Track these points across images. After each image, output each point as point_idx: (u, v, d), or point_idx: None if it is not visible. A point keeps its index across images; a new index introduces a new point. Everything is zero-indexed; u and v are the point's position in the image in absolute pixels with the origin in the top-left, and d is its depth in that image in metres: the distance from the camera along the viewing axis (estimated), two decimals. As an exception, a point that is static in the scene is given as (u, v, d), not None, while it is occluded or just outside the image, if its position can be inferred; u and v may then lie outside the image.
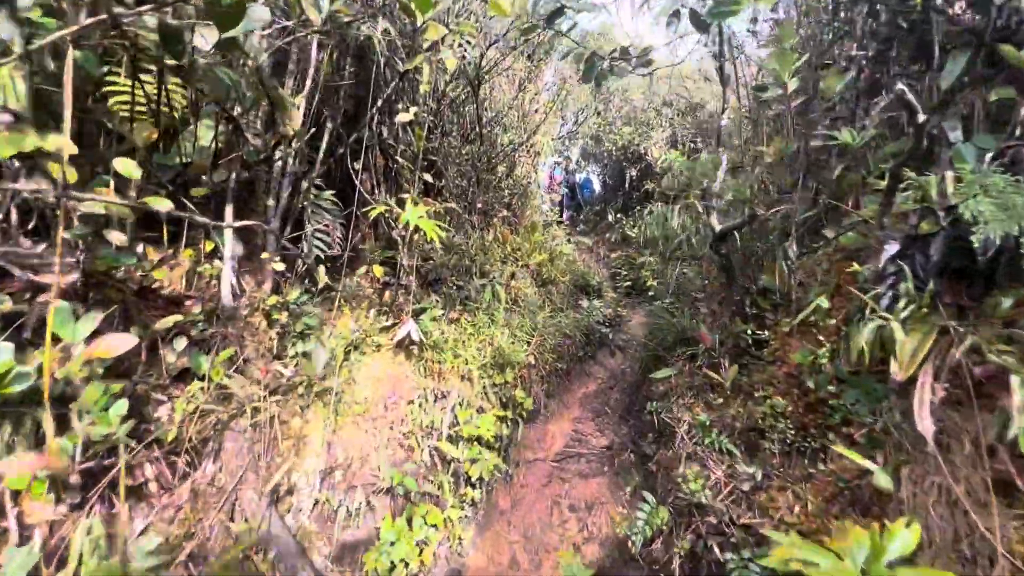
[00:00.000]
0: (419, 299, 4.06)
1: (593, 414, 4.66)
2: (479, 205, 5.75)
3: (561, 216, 13.87)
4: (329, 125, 3.57)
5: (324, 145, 3.40)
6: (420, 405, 3.19)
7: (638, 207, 10.82)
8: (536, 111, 6.45)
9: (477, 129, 5.63)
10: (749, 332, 3.11)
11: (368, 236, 4.56)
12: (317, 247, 3.22)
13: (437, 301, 4.26)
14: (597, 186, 14.53)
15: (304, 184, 3.20)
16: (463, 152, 5.75)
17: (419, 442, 2.90)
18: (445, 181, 5.37)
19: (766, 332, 3.06)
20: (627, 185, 11.68)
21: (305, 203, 3.15)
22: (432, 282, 4.73)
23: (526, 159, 6.72)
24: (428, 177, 4.13)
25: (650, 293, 7.64)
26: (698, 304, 4.63)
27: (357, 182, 3.54)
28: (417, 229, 3.29)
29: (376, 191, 4.40)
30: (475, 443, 3.02)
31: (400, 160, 4.10)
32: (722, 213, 3.70)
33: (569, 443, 4.15)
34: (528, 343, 4.29)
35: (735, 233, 3.51)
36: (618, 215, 11.19)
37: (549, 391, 4.51)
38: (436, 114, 5.16)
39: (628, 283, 8.20)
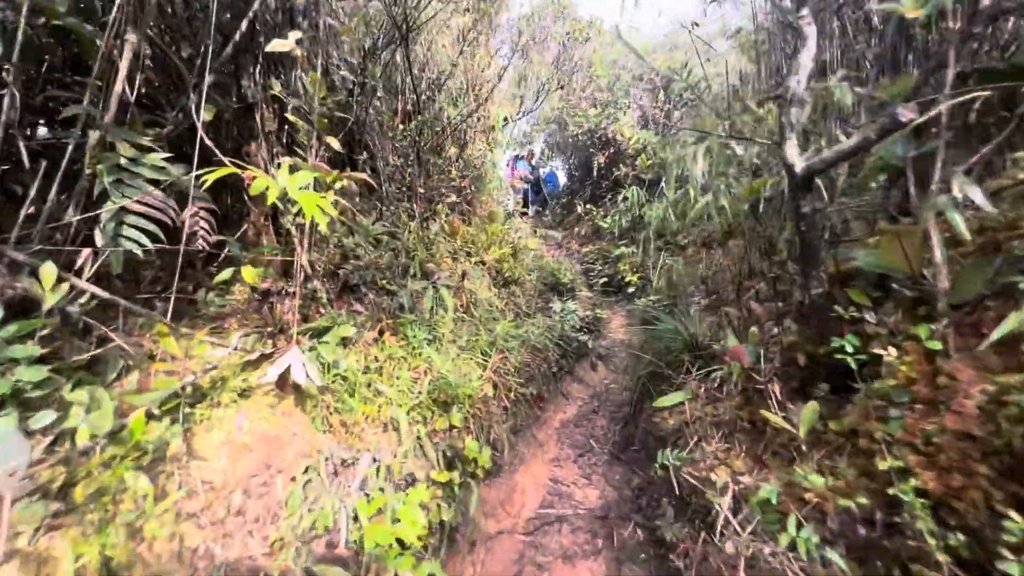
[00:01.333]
0: (327, 312, 2.88)
1: (575, 451, 3.57)
2: (420, 190, 4.60)
3: (526, 208, 12.86)
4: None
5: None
6: (309, 482, 2.02)
7: (608, 196, 9.88)
8: (486, 78, 5.35)
9: (414, 95, 4.48)
10: (847, 346, 1.88)
11: (265, 229, 3.35)
12: (129, 239, 2.00)
13: (355, 314, 3.09)
14: (563, 179, 13.58)
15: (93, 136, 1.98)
16: (399, 126, 4.59)
17: (295, 560, 1.73)
18: (374, 158, 4.20)
19: (888, 349, 1.75)
20: (595, 174, 10.71)
21: (100, 167, 1.93)
22: (353, 288, 3.55)
23: (479, 136, 5.61)
24: (335, 143, 2.96)
25: (630, 290, 6.65)
26: (712, 301, 3.60)
27: (213, 144, 2.33)
28: (331, 221, 2.12)
29: (272, 162, 3.20)
30: (392, 548, 1.86)
31: (291, 117, 2.92)
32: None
33: (546, 499, 3.04)
34: (484, 365, 3.16)
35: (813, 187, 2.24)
36: (587, 206, 10.21)
37: (516, 426, 3.40)
38: (360, 72, 3.98)
39: (604, 279, 7.18)
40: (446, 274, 3.94)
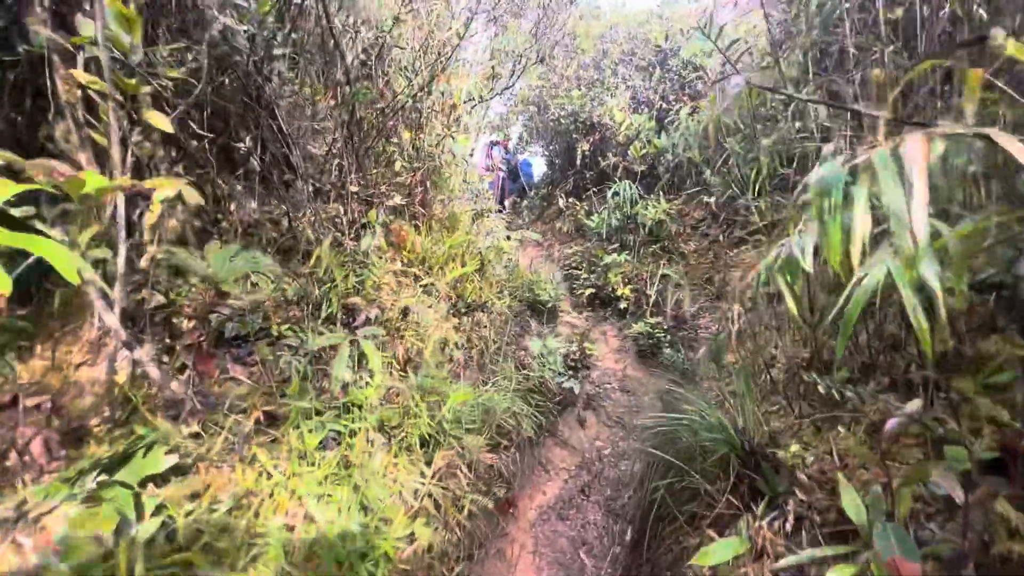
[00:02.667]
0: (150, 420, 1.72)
1: (560, 570, 2.50)
2: (353, 188, 3.41)
3: (501, 203, 11.70)
4: None
5: None
6: None
7: (593, 189, 8.77)
8: (445, 42, 4.12)
9: (344, 62, 3.25)
10: None
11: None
12: None
13: (235, 383, 1.94)
14: (540, 168, 12.41)
15: None
16: (330, 103, 3.39)
17: None
18: (287, 147, 2.99)
19: None
20: (578, 163, 9.56)
21: None
22: (234, 341, 2.38)
23: (438, 118, 4.40)
24: (160, 122, 1.77)
25: (622, 304, 5.60)
26: (752, 352, 2.52)
27: None
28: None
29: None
30: None
31: (82, 78, 1.71)
32: None
33: None
34: (420, 483, 2.04)
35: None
36: (569, 200, 9.11)
37: (471, 551, 2.30)
38: (258, 23, 2.75)
39: (590, 289, 6.09)
40: (377, 312, 2.79)
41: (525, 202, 11.79)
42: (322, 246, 2.72)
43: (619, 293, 5.49)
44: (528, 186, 11.83)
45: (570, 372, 3.82)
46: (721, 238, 5.27)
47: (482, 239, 4.41)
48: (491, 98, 5.91)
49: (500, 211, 7.58)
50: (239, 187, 2.78)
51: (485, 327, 3.79)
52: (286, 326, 2.52)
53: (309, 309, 2.69)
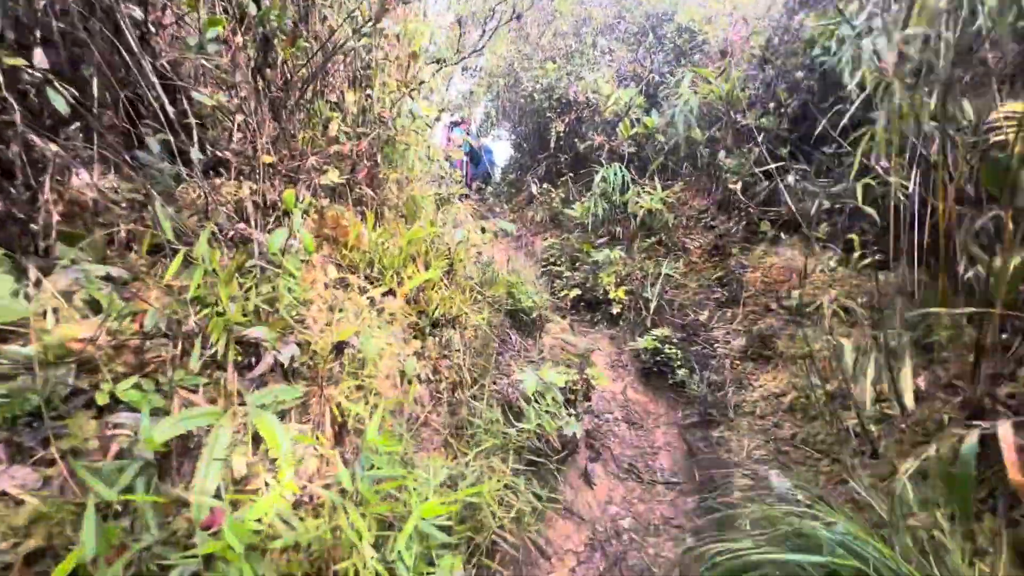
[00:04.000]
0: None
1: None
2: (266, 159, 2.34)
3: (468, 187, 10.65)
4: None
5: None
6: None
7: (569, 174, 7.88)
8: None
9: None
10: None
11: None
12: None
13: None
14: (504, 154, 11.39)
15: None
16: (238, 39, 2.32)
17: None
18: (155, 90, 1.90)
19: None
20: (552, 145, 8.62)
21: None
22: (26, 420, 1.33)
23: (392, 71, 3.35)
24: None
25: (614, 309, 4.75)
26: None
27: None
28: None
29: None
30: None
31: None
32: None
33: None
34: None
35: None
36: (543, 186, 8.19)
37: None
38: None
39: (575, 290, 5.20)
40: (294, 350, 1.78)
41: (490, 188, 10.80)
42: (199, 242, 1.67)
43: (612, 296, 4.63)
44: (490, 173, 10.85)
45: (569, 406, 2.91)
46: (733, 230, 4.48)
47: (450, 232, 3.41)
48: (459, 61, 4.90)
49: (467, 196, 6.57)
50: (56, 147, 1.67)
51: (458, 350, 2.82)
52: (128, 383, 1.48)
53: (180, 349, 1.65)
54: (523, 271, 5.21)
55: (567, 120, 8.15)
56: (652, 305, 4.33)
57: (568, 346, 3.82)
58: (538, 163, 9.47)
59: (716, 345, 3.76)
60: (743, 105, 4.13)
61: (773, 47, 4.45)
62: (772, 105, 4.05)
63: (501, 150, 11.44)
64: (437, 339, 2.75)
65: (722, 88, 4.39)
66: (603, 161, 6.06)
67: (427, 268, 2.88)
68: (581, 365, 3.14)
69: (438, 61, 4.56)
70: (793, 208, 3.50)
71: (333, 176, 2.56)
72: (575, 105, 7.94)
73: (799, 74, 3.91)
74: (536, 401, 2.54)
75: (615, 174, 5.50)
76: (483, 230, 3.86)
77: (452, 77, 9.63)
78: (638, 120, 6.06)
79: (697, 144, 5.13)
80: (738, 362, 3.45)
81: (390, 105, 3.14)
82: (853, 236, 3.45)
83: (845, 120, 2.81)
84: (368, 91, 3.11)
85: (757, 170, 4.06)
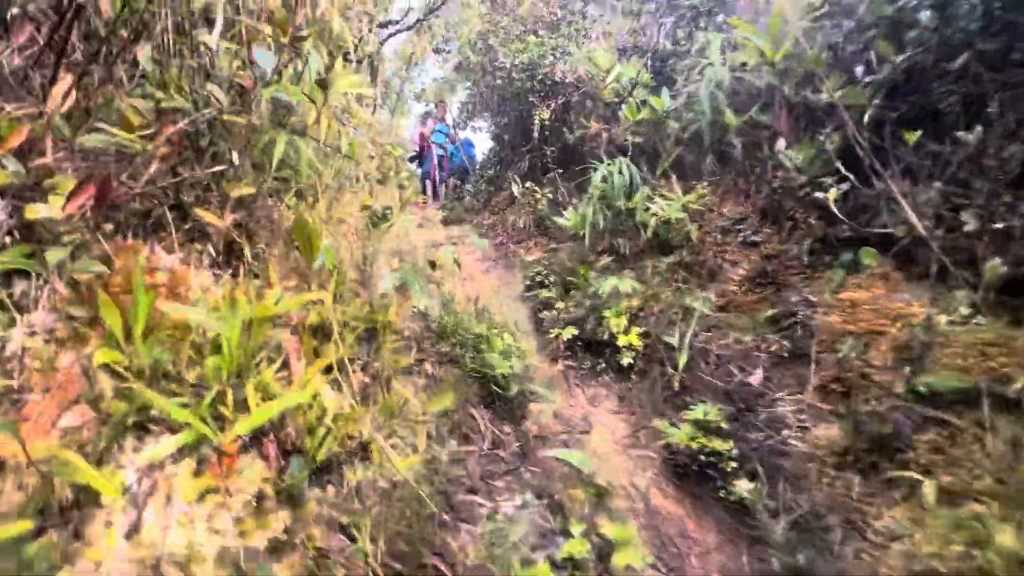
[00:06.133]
0: None
1: None
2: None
3: (435, 188, 9.35)
4: None
5: None
6: None
7: (557, 170, 6.57)
8: None
9: None
10: None
11: None
12: None
13: None
14: (483, 147, 10.10)
15: None
16: None
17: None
18: None
19: None
20: (536, 137, 7.29)
21: None
22: None
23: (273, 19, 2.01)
24: None
25: (625, 360, 3.47)
26: None
27: None
28: None
29: None
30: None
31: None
32: None
33: None
34: None
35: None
36: (526, 185, 6.86)
37: None
38: None
39: (570, 326, 3.90)
40: None
41: (468, 186, 9.49)
42: None
43: (623, 343, 3.35)
44: (469, 169, 9.57)
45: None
46: (791, 251, 3.21)
47: (375, 276, 2.09)
48: (415, 24, 3.58)
49: (426, 203, 5.25)
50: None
51: (364, 524, 1.51)
52: None
53: None
54: (502, 301, 3.91)
55: (552, 106, 6.82)
56: (681, 360, 3.05)
57: (564, 435, 2.52)
58: (520, 158, 8.13)
59: (786, 432, 2.51)
60: (816, 71, 2.83)
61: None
62: (862, 69, 2.76)
63: (482, 143, 10.18)
64: (321, 503, 1.44)
65: (774, 49, 3.11)
66: (599, 155, 4.76)
67: (311, 356, 1.56)
68: (596, 505, 1.85)
69: (385, 25, 3.26)
70: (918, 225, 2.26)
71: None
72: (562, 87, 6.62)
73: (924, 14, 2.52)
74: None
75: (619, 172, 4.20)
76: (433, 265, 2.53)
77: (420, 64, 8.28)
78: (643, 102, 4.76)
79: (726, 131, 3.86)
80: (833, 472, 2.21)
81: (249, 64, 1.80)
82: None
83: None
84: (210, 40, 1.76)
85: (841, 166, 2.77)
